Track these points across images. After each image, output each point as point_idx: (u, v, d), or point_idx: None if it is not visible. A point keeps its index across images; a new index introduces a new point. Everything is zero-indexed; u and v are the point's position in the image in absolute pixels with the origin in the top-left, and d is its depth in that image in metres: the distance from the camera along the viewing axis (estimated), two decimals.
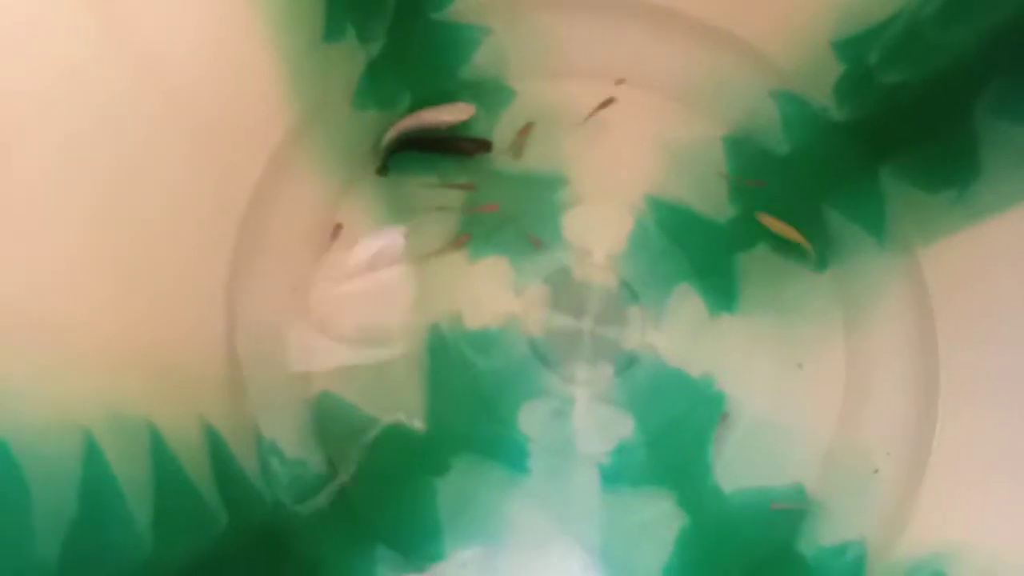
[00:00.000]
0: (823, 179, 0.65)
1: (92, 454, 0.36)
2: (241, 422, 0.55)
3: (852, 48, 0.60)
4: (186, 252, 0.51)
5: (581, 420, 0.62)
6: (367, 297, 0.63)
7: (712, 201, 0.66)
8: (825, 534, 0.60)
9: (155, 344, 0.46)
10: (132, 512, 0.38)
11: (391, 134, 0.64)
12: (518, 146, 0.65)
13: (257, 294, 0.57)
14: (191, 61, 0.46)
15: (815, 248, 0.64)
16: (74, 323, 0.39)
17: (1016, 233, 0.53)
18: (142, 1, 0.41)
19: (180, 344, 0.50)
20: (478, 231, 0.64)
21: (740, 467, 0.62)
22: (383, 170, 0.64)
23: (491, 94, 0.66)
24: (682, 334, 0.63)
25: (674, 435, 0.62)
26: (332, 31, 0.58)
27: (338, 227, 0.63)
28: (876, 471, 0.60)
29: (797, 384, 0.62)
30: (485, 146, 0.65)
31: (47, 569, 0.31)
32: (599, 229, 0.65)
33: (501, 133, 0.66)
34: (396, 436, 0.61)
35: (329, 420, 0.60)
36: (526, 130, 0.66)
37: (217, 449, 0.50)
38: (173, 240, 0.49)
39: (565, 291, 0.64)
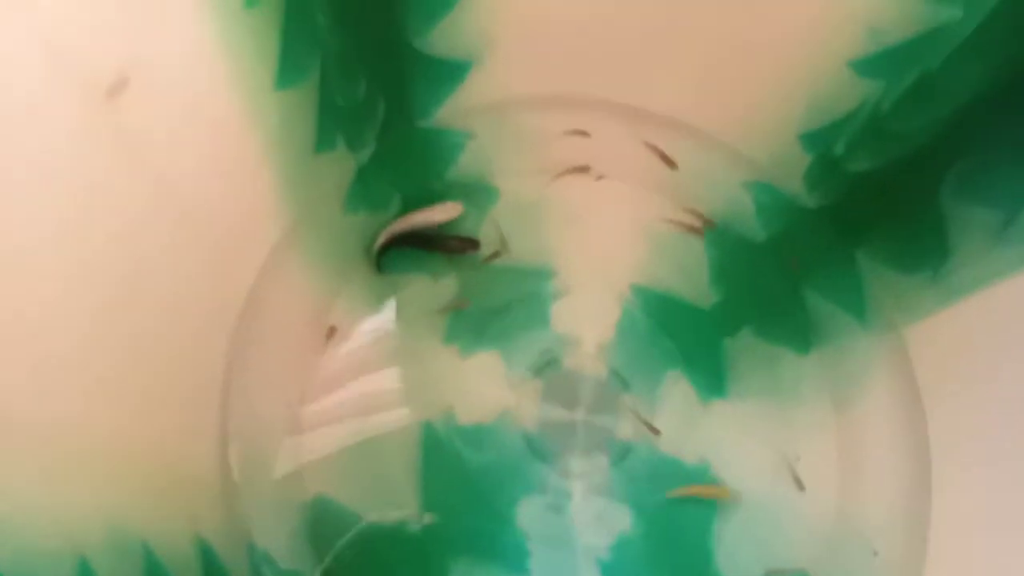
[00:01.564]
0: (801, 263, 0.67)
1: None
2: (234, 532, 0.54)
3: (818, 140, 0.63)
4: (180, 358, 0.51)
5: (579, 514, 0.62)
6: (360, 397, 0.63)
7: (695, 287, 0.67)
8: None
9: (148, 451, 0.46)
10: None
11: (384, 236, 0.66)
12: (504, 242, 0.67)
13: (250, 398, 0.57)
14: (193, 176, 0.48)
15: (799, 331, 0.66)
16: (70, 431, 0.39)
17: (992, 311, 0.54)
18: (152, 121, 0.43)
19: (173, 451, 0.49)
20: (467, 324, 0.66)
21: (741, 555, 0.61)
22: (378, 268, 0.66)
23: (477, 193, 0.69)
24: (675, 421, 0.64)
25: (672, 526, 0.61)
26: (323, 142, 0.61)
27: (332, 329, 0.64)
28: (876, 554, 0.59)
29: (792, 468, 0.62)
30: (473, 244, 0.67)
31: None
32: (587, 318, 0.67)
33: (487, 231, 0.68)
34: (393, 540, 0.60)
35: (323, 525, 0.59)
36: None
37: (209, 561, 0.49)
38: (168, 347, 0.49)
39: (557, 383, 0.65)
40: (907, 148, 0.58)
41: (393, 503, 0.61)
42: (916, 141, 0.57)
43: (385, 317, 0.66)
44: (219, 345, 0.56)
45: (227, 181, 0.52)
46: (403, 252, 0.67)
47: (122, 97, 0.40)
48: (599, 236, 0.69)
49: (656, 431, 0.62)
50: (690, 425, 0.64)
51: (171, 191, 0.47)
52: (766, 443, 0.63)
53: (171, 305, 0.50)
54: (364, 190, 0.65)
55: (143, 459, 0.45)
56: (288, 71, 0.53)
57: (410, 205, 0.67)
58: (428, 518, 0.60)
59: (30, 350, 0.36)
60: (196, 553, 0.47)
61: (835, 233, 0.66)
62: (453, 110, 0.69)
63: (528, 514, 0.61)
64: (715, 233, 0.68)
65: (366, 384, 0.64)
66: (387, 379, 0.64)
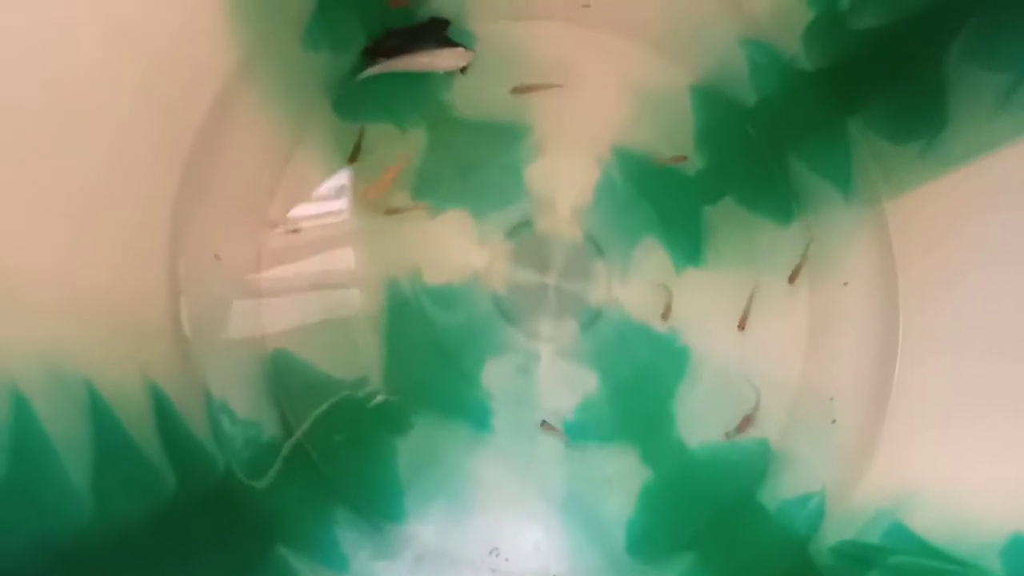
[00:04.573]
0: (790, 131, 0.64)
1: (21, 410, 0.33)
2: (189, 381, 0.52)
3: None
4: (129, 195, 0.47)
5: (545, 376, 0.61)
6: (319, 249, 0.60)
7: (679, 152, 0.64)
8: (787, 485, 0.60)
9: (94, 293, 0.43)
10: (68, 472, 0.35)
11: (377, 70, 0.61)
12: (381, 187, 0.62)
13: (202, 243, 0.54)
14: None
15: (782, 202, 0.63)
16: (6, 265, 0.36)
17: (981, 183, 0.53)
18: None
19: (121, 295, 0.46)
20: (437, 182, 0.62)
21: (703, 421, 0.61)
22: (355, 155, 0.61)
23: (451, 37, 0.63)
24: (647, 289, 0.62)
25: (638, 390, 0.62)
26: None
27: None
28: (834, 421, 0.60)
29: (761, 336, 0.62)
30: (463, 56, 0.62)
31: None
32: (564, 181, 0.64)
33: (462, 80, 0.63)
34: (355, 396, 0.59)
35: (283, 379, 0.58)
36: (391, 173, 0.62)
37: (162, 408, 0.47)
38: (114, 181, 0.45)
39: (529, 245, 0.62)
40: (917, 3, 0.53)
41: (356, 360, 0.60)
42: None
43: (348, 169, 0.62)
44: (168, 187, 0.52)
45: (171, 3, 0.47)
46: (369, 97, 0.62)
47: None
48: (581, 92, 0.64)
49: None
50: (662, 292, 0.62)
51: (112, 11, 0.41)
52: (736, 313, 0.62)
53: (116, 139, 0.45)
54: (326, 24, 0.59)
55: (87, 300, 0.42)
56: None
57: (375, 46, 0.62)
58: (391, 375, 0.59)
59: None
60: (147, 398, 0.45)
61: (829, 99, 0.62)
62: None
63: (494, 374, 0.60)
64: (704, 94, 0.64)
65: (328, 240, 0.61)
66: (350, 236, 0.61)
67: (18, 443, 0.33)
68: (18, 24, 0.36)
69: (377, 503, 0.58)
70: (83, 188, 0.42)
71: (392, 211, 0.61)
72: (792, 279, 0.62)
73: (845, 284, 0.61)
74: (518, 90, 0.63)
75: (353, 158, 0.61)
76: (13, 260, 0.36)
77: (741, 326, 0.62)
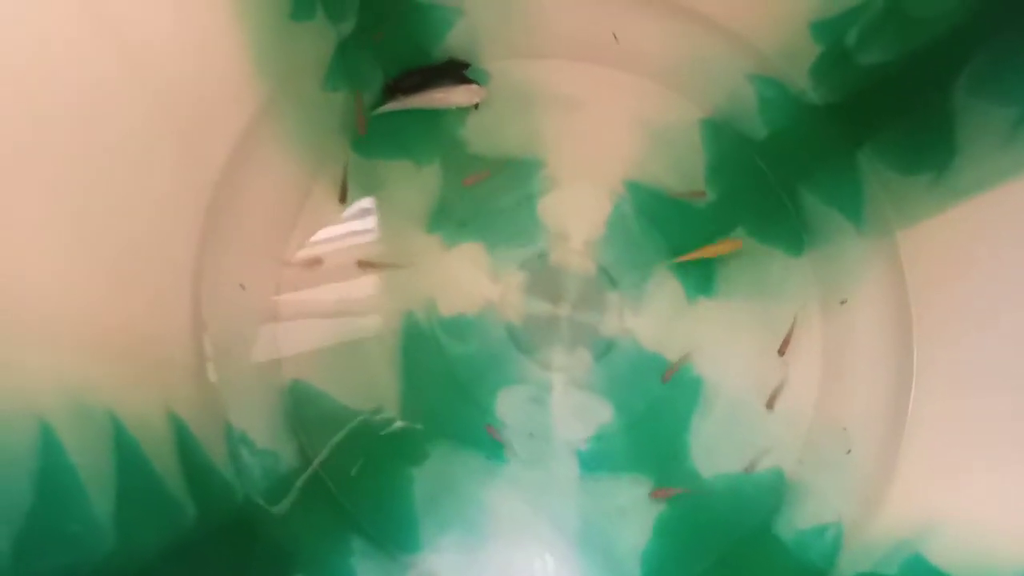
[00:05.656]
0: (800, 163, 0.65)
1: (49, 443, 0.35)
2: (209, 412, 0.53)
3: (830, 29, 0.59)
4: (150, 235, 0.49)
5: (559, 406, 0.62)
6: (337, 280, 0.62)
7: (690, 185, 0.65)
8: (803, 516, 0.60)
9: (118, 327, 0.44)
10: (92, 503, 0.36)
11: (393, 106, 0.63)
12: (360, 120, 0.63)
13: (225, 281, 0.55)
14: (160, 39, 0.45)
15: (793, 233, 0.64)
16: (32, 303, 0.37)
17: (992, 215, 0.53)
18: None
19: (144, 330, 0.48)
20: (452, 214, 0.63)
21: (718, 451, 0.61)
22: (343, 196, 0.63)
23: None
24: (660, 319, 0.63)
25: (652, 420, 0.62)
26: (300, 10, 0.56)
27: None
28: (848, 452, 0.60)
29: (774, 367, 0.62)
30: (477, 93, 0.64)
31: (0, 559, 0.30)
32: (576, 214, 0.65)
33: (476, 116, 0.65)
34: (371, 424, 0.60)
35: (301, 409, 0.59)
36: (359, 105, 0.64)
37: (184, 440, 0.48)
38: (138, 219, 0.47)
39: (542, 277, 0.63)
40: (924, 38, 0.54)
41: (372, 390, 0.60)
42: (935, 30, 0.54)
43: (365, 203, 0.63)
44: (190, 226, 0.54)
45: (197, 47, 0.49)
46: (386, 134, 0.64)
47: None
48: (593, 127, 0.66)
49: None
50: (675, 322, 0.63)
51: (137, 55, 0.43)
52: (750, 343, 0.63)
53: (140, 178, 0.47)
54: (345, 66, 0.61)
55: (112, 335, 0.44)
56: None
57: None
58: (407, 405, 0.60)
59: None
60: (170, 429, 0.47)
61: (838, 131, 0.63)
62: None
63: (508, 405, 0.61)
64: (714, 128, 0.65)
65: (345, 273, 0.62)
66: (367, 268, 0.62)
67: (45, 474, 0.34)
68: (53, 77, 0.38)
69: (392, 533, 0.58)
70: (111, 229, 0.44)
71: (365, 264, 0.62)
72: (782, 351, 0.62)
73: (842, 303, 0.61)
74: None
75: (342, 198, 0.63)
76: (43, 299, 0.38)
77: (781, 351, 0.62)
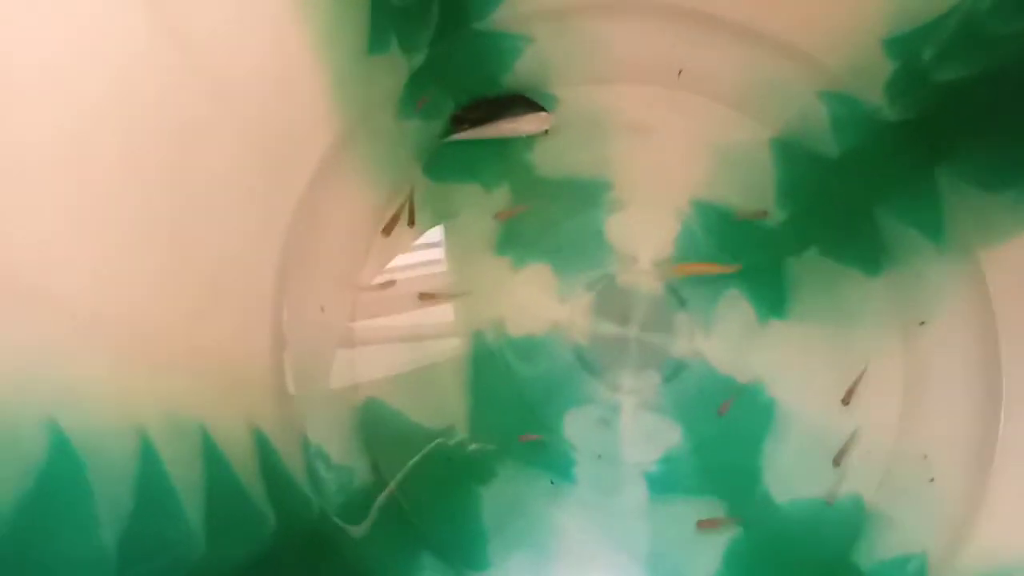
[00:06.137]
0: (875, 182, 0.64)
1: (147, 453, 0.37)
2: (288, 427, 0.56)
3: (904, 46, 0.58)
4: (232, 262, 0.52)
5: (627, 428, 0.61)
6: (410, 302, 0.64)
7: (760, 205, 0.64)
8: (884, 546, 0.58)
9: (205, 347, 0.47)
10: (185, 510, 0.39)
11: (462, 136, 0.65)
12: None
13: (303, 300, 0.58)
14: (245, 76, 0.48)
15: (869, 252, 0.62)
16: (134, 324, 0.40)
17: None
18: (205, 20, 0.42)
19: (231, 350, 0.51)
20: (520, 236, 0.65)
21: (792, 476, 0.60)
22: (412, 220, 0.65)
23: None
24: (731, 341, 0.62)
25: (723, 443, 0.61)
26: (376, 44, 0.59)
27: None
28: (932, 480, 0.58)
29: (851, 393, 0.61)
30: (545, 121, 0.65)
31: (107, 554, 0.32)
32: (644, 234, 0.65)
33: (545, 141, 0.66)
34: (443, 444, 0.61)
35: (374, 426, 0.61)
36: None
37: (265, 452, 0.50)
38: (225, 244, 0.50)
39: (610, 298, 0.64)
40: (1004, 54, 0.53)
41: (443, 410, 0.62)
42: (1015, 46, 0.52)
43: (437, 227, 0.65)
44: (271, 251, 0.56)
45: (281, 83, 0.52)
46: (456, 159, 0.66)
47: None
48: (660, 148, 0.66)
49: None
50: (746, 345, 0.62)
51: (224, 91, 0.47)
52: (825, 366, 0.61)
53: (227, 205, 0.50)
54: (416, 96, 0.63)
55: (202, 354, 0.47)
56: None
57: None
58: (476, 425, 0.61)
59: (92, 251, 0.37)
60: (253, 442, 0.49)
61: (916, 149, 0.61)
62: (511, 13, 0.66)
63: (576, 426, 0.61)
64: (784, 147, 0.65)
65: (415, 296, 0.64)
66: (438, 290, 0.64)
67: (145, 482, 0.36)
68: (152, 114, 0.41)
69: (462, 551, 0.59)
70: (201, 253, 0.47)
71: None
72: (846, 400, 0.60)
73: (921, 324, 0.59)
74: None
75: (411, 222, 0.65)
76: (142, 320, 0.41)
77: (846, 401, 0.60)
